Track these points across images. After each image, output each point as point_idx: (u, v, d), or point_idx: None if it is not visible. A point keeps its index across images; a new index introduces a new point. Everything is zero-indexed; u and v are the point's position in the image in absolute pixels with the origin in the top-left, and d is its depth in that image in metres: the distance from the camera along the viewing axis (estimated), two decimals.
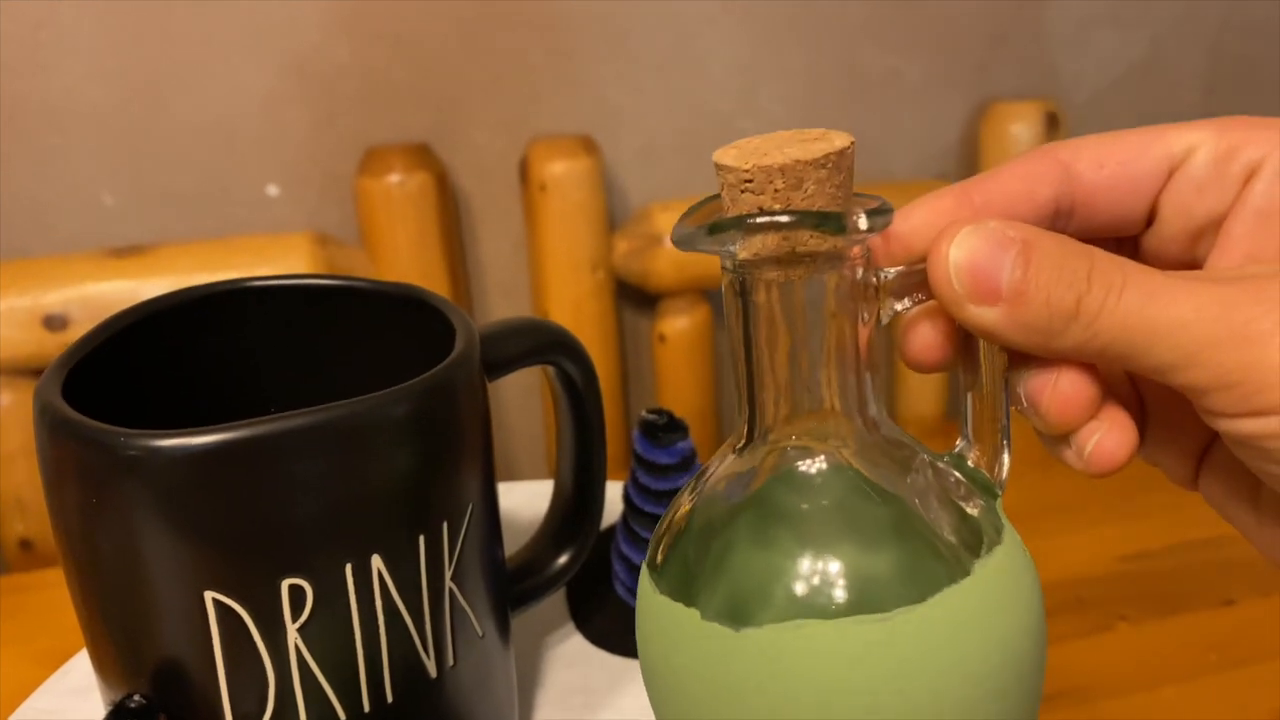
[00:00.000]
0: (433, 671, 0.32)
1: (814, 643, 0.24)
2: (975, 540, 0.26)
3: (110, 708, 0.30)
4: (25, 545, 0.70)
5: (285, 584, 0.29)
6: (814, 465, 0.26)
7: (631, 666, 0.41)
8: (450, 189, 0.74)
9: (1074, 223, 0.28)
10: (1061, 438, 0.26)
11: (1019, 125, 0.78)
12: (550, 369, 0.38)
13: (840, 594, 0.24)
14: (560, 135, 0.74)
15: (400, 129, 0.73)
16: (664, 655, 0.27)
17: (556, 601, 0.45)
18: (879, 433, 0.26)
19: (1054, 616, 0.65)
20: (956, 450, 0.28)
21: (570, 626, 0.44)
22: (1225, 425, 0.24)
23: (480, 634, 0.34)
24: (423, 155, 0.72)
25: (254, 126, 0.71)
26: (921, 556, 0.25)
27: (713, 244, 0.24)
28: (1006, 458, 0.27)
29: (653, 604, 0.27)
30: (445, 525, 0.31)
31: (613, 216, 0.77)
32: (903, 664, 0.24)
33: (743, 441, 0.27)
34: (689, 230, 0.24)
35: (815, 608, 0.24)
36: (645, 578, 0.27)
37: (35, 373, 0.68)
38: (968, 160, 0.81)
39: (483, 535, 0.34)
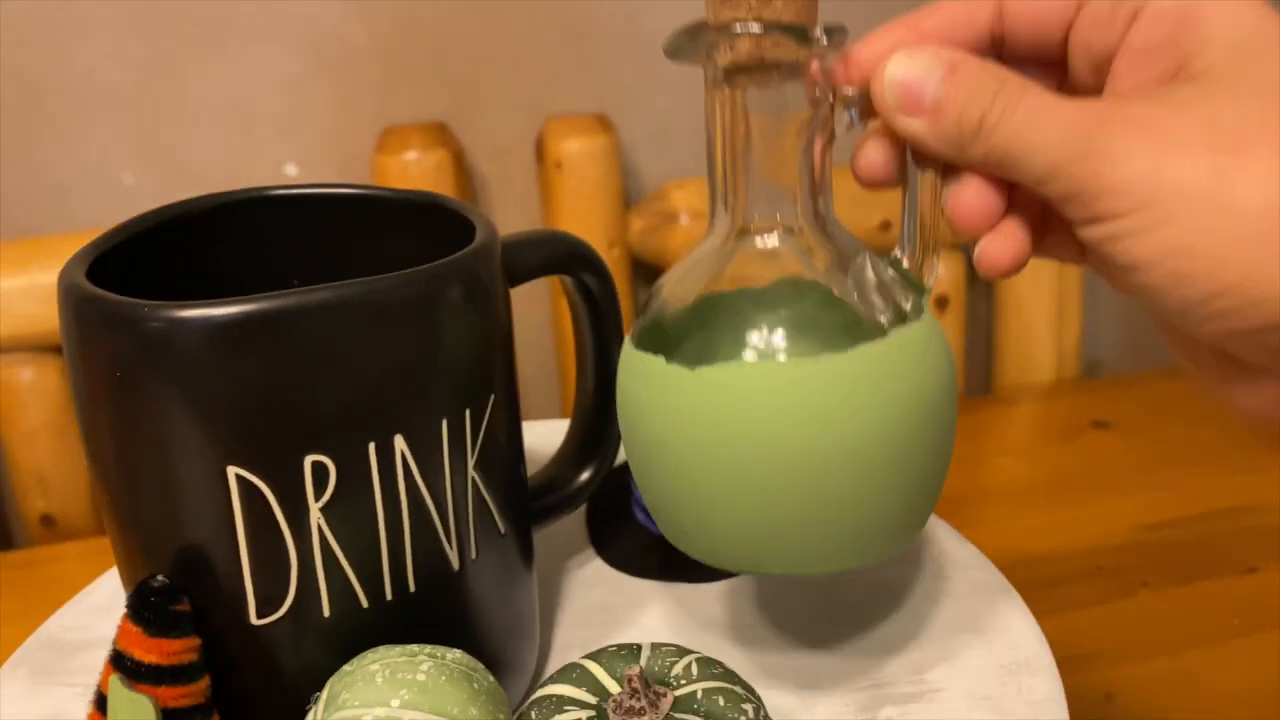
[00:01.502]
0: (455, 563, 0.32)
1: (754, 378, 0.30)
2: (898, 318, 0.31)
3: (132, 591, 0.30)
4: (47, 521, 0.70)
5: (308, 460, 0.29)
6: (770, 247, 0.31)
7: (652, 588, 0.41)
8: (467, 167, 0.74)
9: (1006, 48, 0.31)
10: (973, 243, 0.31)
11: None
12: (568, 280, 0.38)
13: (779, 345, 0.30)
14: (576, 114, 0.75)
15: (417, 109, 0.74)
16: (636, 398, 0.32)
17: (577, 528, 0.45)
18: (827, 229, 0.31)
19: (1074, 583, 0.64)
20: (894, 255, 0.32)
21: (591, 552, 0.43)
22: (1080, 232, 0.28)
23: (502, 532, 0.34)
24: (440, 134, 0.73)
25: (273, 107, 0.72)
26: (851, 324, 0.30)
27: (697, 49, 0.29)
28: (936, 262, 0.32)
29: (630, 359, 0.32)
30: (468, 412, 0.32)
31: (628, 195, 0.77)
32: (824, 400, 0.29)
33: (713, 232, 0.32)
34: (678, 39, 0.29)
35: (757, 353, 0.30)
36: (626, 342, 0.33)
37: (56, 349, 0.69)
38: None
39: (505, 430, 0.34)
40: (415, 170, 0.71)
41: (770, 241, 0.31)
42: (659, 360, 0.31)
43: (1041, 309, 0.84)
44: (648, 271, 0.78)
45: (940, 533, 0.44)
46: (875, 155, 0.31)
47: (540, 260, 0.36)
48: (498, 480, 0.33)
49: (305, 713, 0.29)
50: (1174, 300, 0.27)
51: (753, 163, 0.30)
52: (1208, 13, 0.28)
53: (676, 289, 0.32)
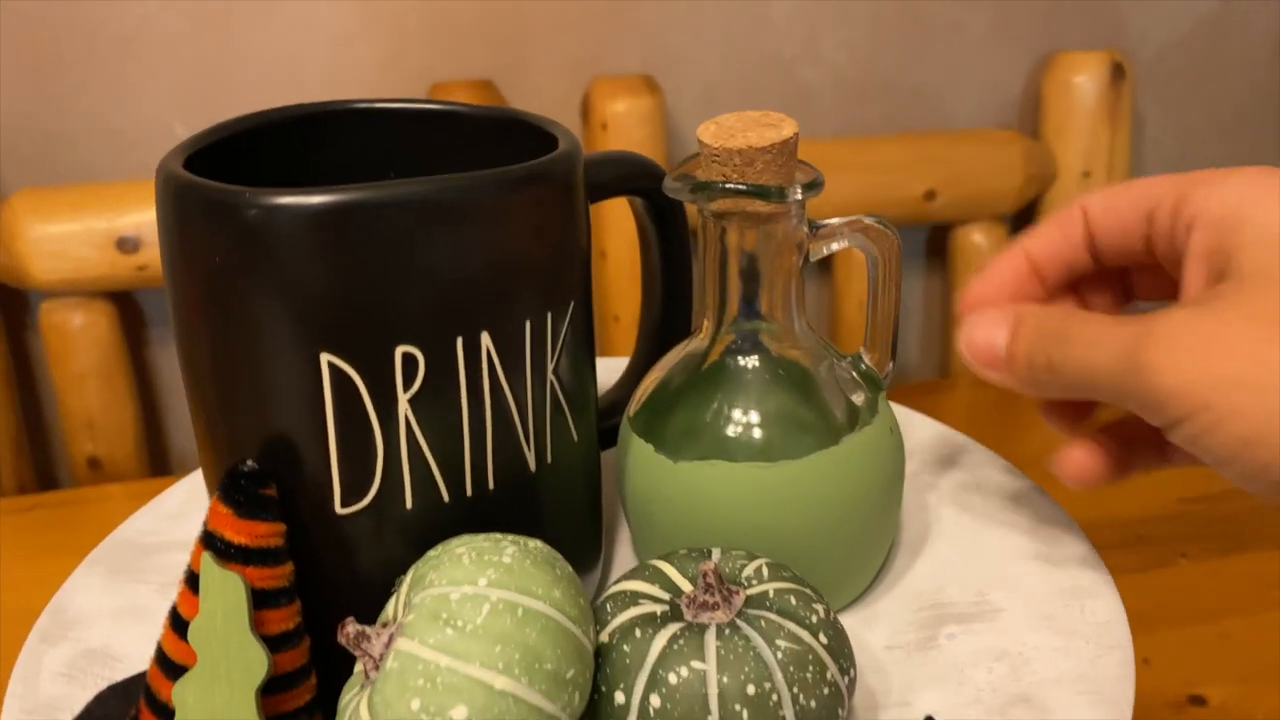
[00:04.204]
0: (532, 465, 0.33)
1: (722, 477, 0.35)
2: (852, 420, 0.35)
3: (224, 475, 0.31)
4: (93, 464, 0.71)
5: (399, 351, 0.30)
6: (747, 353, 0.36)
7: None
8: None
9: (1099, 256, 0.35)
10: None
11: (1083, 76, 0.78)
12: (640, 201, 0.38)
13: (746, 445, 0.35)
14: (622, 75, 0.75)
15: (465, 66, 0.74)
16: (630, 476, 0.37)
17: None
18: (798, 335, 0.36)
19: (1113, 551, 0.64)
20: (858, 354, 0.37)
21: None
22: (1168, 438, 0.30)
23: (575, 439, 0.35)
24: (486, 92, 0.73)
25: (321, 61, 0.72)
26: (809, 427, 0.35)
27: (692, 198, 0.34)
28: (892, 363, 0.37)
29: (627, 438, 0.37)
30: (549, 315, 0.32)
31: (673, 157, 0.77)
32: (780, 500, 0.35)
33: (702, 333, 0.37)
34: (676, 184, 0.34)
35: (727, 452, 0.35)
36: (624, 420, 0.38)
37: (107, 295, 0.70)
38: (1030, 111, 0.81)
39: (582, 338, 0.34)
40: None
41: (746, 348, 0.36)
42: (648, 447, 0.36)
43: None
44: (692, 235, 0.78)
45: (995, 467, 0.44)
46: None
47: (615, 176, 0.37)
48: (573, 387, 0.34)
49: (389, 597, 0.30)
50: (1264, 487, 0.29)
51: (735, 281, 0.35)
52: (1246, 216, 0.31)
53: (668, 378, 0.37)
